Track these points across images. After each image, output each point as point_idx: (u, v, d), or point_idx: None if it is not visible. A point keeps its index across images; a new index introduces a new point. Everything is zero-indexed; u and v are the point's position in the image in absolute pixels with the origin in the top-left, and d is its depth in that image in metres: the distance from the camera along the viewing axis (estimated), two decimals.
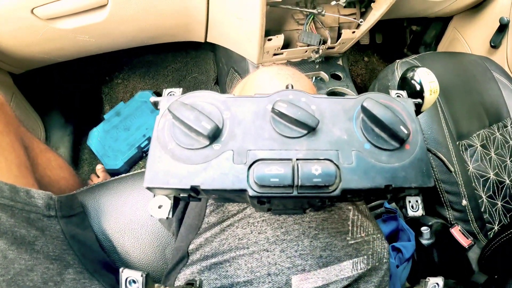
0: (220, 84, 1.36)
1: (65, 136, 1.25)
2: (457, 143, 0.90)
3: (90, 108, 1.34)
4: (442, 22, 1.60)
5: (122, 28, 0.80)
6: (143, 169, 0.68)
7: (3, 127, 0.55)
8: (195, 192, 0.31)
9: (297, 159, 0.30)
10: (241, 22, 0.83)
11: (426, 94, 0.52)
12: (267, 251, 0.39)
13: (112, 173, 1.20)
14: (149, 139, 1.21)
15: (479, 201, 0.88)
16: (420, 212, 0.34)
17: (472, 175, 0.89)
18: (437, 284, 0.33)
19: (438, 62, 1.05)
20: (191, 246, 0.45)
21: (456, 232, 0.78)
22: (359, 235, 0.44)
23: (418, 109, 0.53)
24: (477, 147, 0.93)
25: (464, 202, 0.83)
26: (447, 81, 0.99)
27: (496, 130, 0.99)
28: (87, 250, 0.55)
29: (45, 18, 0.70)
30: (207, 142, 0.31)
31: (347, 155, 0.31)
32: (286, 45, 1.01)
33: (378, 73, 1.32)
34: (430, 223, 0.83)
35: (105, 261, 0.58)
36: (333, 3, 0.86)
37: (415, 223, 0.85)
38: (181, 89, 0.37)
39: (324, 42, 1.01)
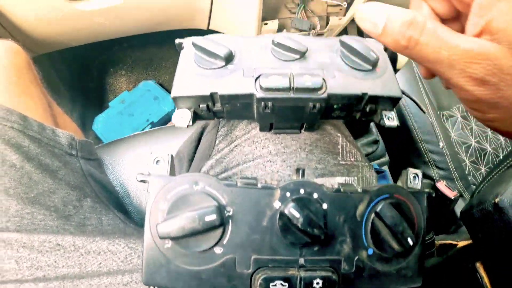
0: None
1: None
2: (438, 112, 0.99)
3: (95, 98, 1.42)
4: None
5: (135, 12, 0.89)
6: (156, 128, 0.75)
7: (32, 79, 0.61)
8: (212, 101, 0.39)
9: (292, 73, 0.38)
10: (242, 7, 0.92)
11: None
12: (270, 161, 0.46)
13: None
14: (152, 123, 1.29)
15: (463, 164, 0.96)
16: (395, 123, 0.42)
17: (455, 142, 0.97)
18: (417, 174, 0.40)
19: None
20: (203, 169, 0.52)
21: (442, 186, 0.85)
22: (349, 159, 0.50)
23: (393, 66, 0.62)
24: (458, 117, 1.02)
25: (441, 144, 0.91)
26: None
27: None
28: (102, 189, 0.60)
29: None
30: (223, 63, 0.39)
31: (330, 72, 0.40)
32: (280, 31, 1.10)
33: None
34: None
35: (118, 202, 0.64)
36: None
37: None
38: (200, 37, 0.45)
39: (314, 28, 1.11)
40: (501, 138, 1.07)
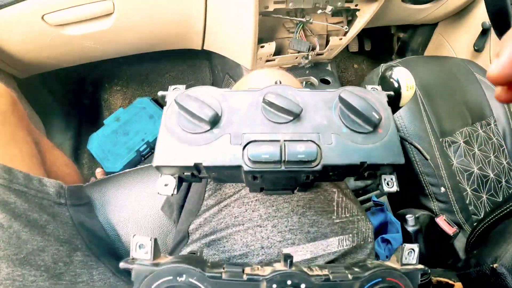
0: None
1: (66, 141, 1.29)
2: (441, 139, 0.95)
3: (90, 114, 1.39)
4: (428, 29, 1.67)
5: (125, 35, 0.86)
6: (145, 165, 0.73)
7: (17, 121, 0.59)
8: (197, 169, 0.36)
9: (284, 140, 0.35)
10: (236, 30, 0.89)
11: (403, 90, 0.58)
12: (260, 226, 0.43)
13: None
14: (147, 143, 1.26)
15: (464, 193, 0.93)
16: (395, 188, 0.39)
17: (456, 170, 0.94)
18: (413, 250, 0.37)
19: (422, 65, 1.11)
20: (191, 227, 0.50)
21: (441, 221, 0.83)
22: (344, 215, 0.48)
23: (396, 104, 0.59)
24: (461, 143, 0.98)
25: (443, 189, 0.88)
26: (430, 82, 1.05)
27: (479, 128, 1.04)
28: (94, 237, 0.58)
29: (54, 24, 0.75)
30: (208, 127, 0.36)
31: (327, 137, 0.36)
32: (278, 52, 1.07)
33: None
34: (417, 215, 0.88)
35: (110, 248, 0.62)
36: (319, 11, 0.92)
37: (402, 218, 0.91)
38: (185, 85, 0.42)
39: (313, 48, 1.08)
40: (504, 162, 1.05)
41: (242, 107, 0.38)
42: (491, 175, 1.00)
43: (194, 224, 0.49)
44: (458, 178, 0.93)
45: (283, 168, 0.34)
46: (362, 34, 1.84)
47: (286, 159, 0.33)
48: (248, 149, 0.34)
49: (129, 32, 0.85)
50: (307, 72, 1.14)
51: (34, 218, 0.50)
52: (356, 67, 1.80)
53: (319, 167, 0.34)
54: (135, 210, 0.64)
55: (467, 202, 0.94)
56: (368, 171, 0.38)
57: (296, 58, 1.08)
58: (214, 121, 0.36)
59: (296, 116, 0.37)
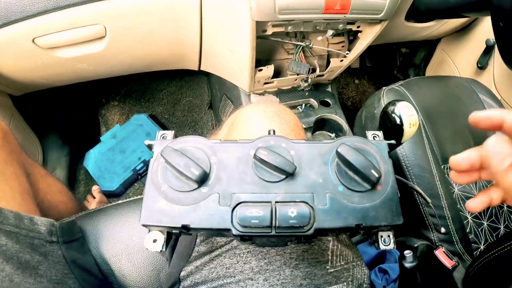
0: (214, 109, 1.40)
1: (62, 157, 1.27)
2: (442, 166, 0.93)
3: (87, 130, 1.38)
4: (430, 45, 1.66)
5: (119, 57, 0.85)
6: (139, 196, 0.71)
7: (7, 156, 0.58)
8: (185, 229, 0.34)
9: (275, 202, 0.33)
10: (233, 54, 0.87)
11: (406, 127, 0.57)
12: (252, 279, 0.42)
13: (108, 194, 1.23)
14: (144, 161, 1.24)
15: (464, 222, 0.91)
16: (391, 246, 0.37)
17: (457, 197, 0.92)
18: None
19: (424, 87, 1.09)
20: (182, 273, 0.48)
21: (440, 254, 0.81)
22: (339, 264, 0.47)
23: (397, 140, 0.57)
24: None
25: (443, 230, 0.86)
26: (433, 105, 1.03)
27: None
28: (86, 274, 0.57)
29: (45, 47, 0.74)
30: (196, 186, 0.35)
31: (321, 198, 0.35)
32: (277, 73, 1.05)
33: (368, 96, 1.36)
34: (415, 245, 0.86)
35: (103, 284, 0.61)
36: (320, 38, 0.91)
37: (401, 245, 0.89)
38: (173, 131, 0.40)
39: (313, 70, 1.05)
40: None
41: (231, 163, 0.37)
42: None
43: (185, 271, 0.48)
44: (459, 206, 0.91)
45: (273, 232, 0.32)
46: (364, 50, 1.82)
47: (277, 225, 0.32)
48: (237, 211, 0.33)
49: (123, 54, 0.84)
50: (307, 94, 1.12)
51: (26, 259, 0.49)
52: (357, 83, 1.78)
53: (311, 232, 0.33)
54: (128, 245, 0.63)
55: (468, 230, 0.92)
56: (364, 231, 0.36)
57: (295, 80, 1.06)
58: (202, 179, 0.35)
59: (289, 175, 0.36)
